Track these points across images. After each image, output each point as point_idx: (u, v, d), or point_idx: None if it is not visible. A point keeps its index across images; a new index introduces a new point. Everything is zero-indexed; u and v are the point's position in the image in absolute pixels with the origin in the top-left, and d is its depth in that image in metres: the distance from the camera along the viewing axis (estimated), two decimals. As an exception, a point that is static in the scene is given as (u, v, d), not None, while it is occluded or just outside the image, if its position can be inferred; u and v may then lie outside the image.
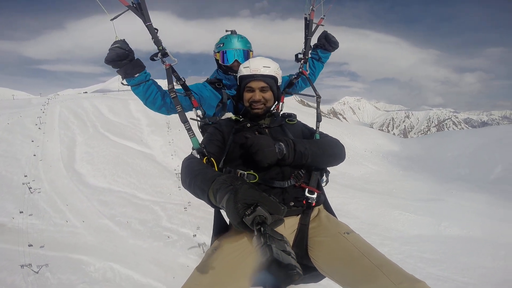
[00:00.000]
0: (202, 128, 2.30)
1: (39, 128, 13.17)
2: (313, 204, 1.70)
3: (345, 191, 15.50)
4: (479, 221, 10.78)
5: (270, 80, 1.88)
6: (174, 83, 2.11)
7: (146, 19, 1.88)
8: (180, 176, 1.58)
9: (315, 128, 2.02)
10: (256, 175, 1.62)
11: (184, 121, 1.83)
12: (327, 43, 2.59)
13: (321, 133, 1.99)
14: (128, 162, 11.24)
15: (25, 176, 8.29)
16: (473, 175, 20.67)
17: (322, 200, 1.82)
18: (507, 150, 21.50)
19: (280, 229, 1.44)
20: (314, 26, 2.47)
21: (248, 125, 1.89)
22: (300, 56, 2.48)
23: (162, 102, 2.25)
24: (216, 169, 1.62)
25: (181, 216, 7.25)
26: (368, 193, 15.68)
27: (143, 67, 2.08)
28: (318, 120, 2.10)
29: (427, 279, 6.89)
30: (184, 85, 2.19)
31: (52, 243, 5.26)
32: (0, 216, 6.06)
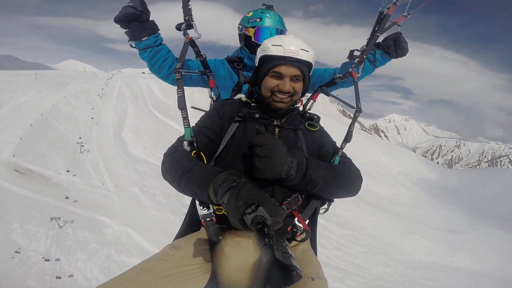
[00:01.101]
0: None
1: (100, 98, 15.12)
2: (298, 234, 1.46)
3: (365, 207, 15.29)
4: (495, 257, 10.46)
5: (305, 68, 1.49)
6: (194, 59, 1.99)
7: None
8: (162, 166, 1.44)
9: (339, 147, 1.62)
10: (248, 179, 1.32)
11: (182, 108, 1.51)
12: (394, 47, 2.14)
13: (343, 155, 1.59)
14: (167, 139, 12.44)
15: (79, 137, 9.73)
16: (511, 215, 19.05)
17: (307, 238, 1.54)
18: None
19: (245, 246, 1.37)
20: (389, 23, 1.99)
21: (257, 115, 1.54)
22: (357, 53, 2.01)
23: (168, 71, 2.04)
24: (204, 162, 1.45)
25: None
26: (388, 213, 15.34)
27: (155, 30, 1.92)
28: (346, 140, 1.65)
29: None
30: (204, 62, 1.93)
31: (84, 202, 6.17)
32: (49, 170, 7.20)
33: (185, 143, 1.42)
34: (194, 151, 1.42)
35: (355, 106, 1.73)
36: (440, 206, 18.87)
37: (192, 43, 1.77)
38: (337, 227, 9.11)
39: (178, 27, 1.73)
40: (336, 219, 9.84)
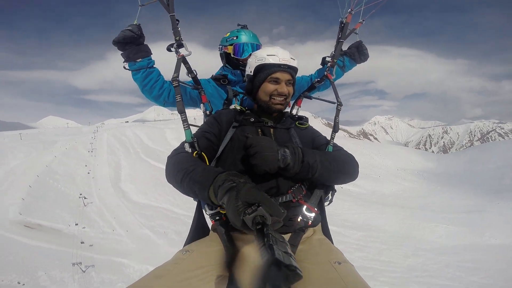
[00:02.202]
0: None
1: (90, 153, 15.18)
2: (309, 224, 1.47)
3: (374, 207, 15.11)
4: None
5: (294, 73, 1.69)
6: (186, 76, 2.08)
7: (170, 10, 1.91)
8: (166, 169, 1.48)
9: (329, 138, 1.75)
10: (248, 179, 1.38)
11: (181, 111, 1.63)
12: (357, 53, 2.46)
13: (334, 145, 1.73)
14: (166, 183, 12.42)
15: (80, 194, 9.85)
16: None
17: (318, 221, 1.56)
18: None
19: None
20: (348, 30, 2.33)
21: (252, 119, 1.66)
22: (328, 59, 2.29)
23: (159, 92, 2.14)
24: (206, 163, 1.50)
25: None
26: (399, 208, 15.12)
27: (148, 54, 2.05)
28: (335, 130, 1.82)
29: (469, 287, 6.64)
30: (195, 79, 2.03)
31: (100, 247, 6.27)
32: (58, 223, 7.45)
33: (186, 144, 1.50)
34: (196, 151, 1.48)
35: (335, 101, 1.94)
36: (447, 191, 18.79)
37: (183, 60, 1.87)
38: (352, 230, 8.94)
39: (169, 48, 1.88)
40: (349, 223, 9.68)
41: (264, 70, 1.65)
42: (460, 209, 13.84)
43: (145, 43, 2.06)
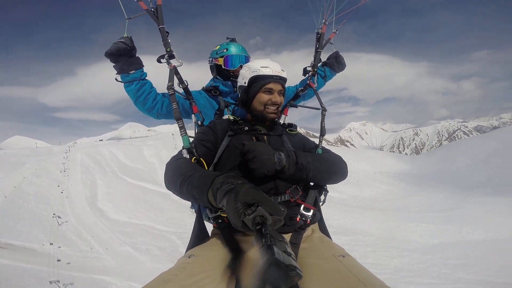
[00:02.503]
0: None
1: (63, 173, 14.37)
2: (308, 222, 1.55)
3: (356, 211, 15.47)
4: (505, 222, 10.72)
5: (284, 84, 1.81)
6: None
7: (160, 22, 1.94)
8: (165, 175, 1.49)
9: (317, 142, 1.89)
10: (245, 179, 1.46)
11: (178, 118, 1.73)
12: (336, 63, 2.63)
13: (323, 148, 1.86)
14: (146, 200, 11.99)
15: (53, 214, 9.33)
16: (492, 181, 20.24)
17: (318, 218, 1.65)
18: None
19: None
20: (324, 41, 2.50)
21: (246, 128, 1.74)
22: (309, 69, 2.45)
23: (152, 104, 2.16)
24: (205, 167, 1.55)
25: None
26: (379, 211, 15.58)
27: (141, 66, 2.07)
28: (322, 134, 1.97)
29: (457, 283, 6.87)
30: (186, 89, 2.06)
31: (78, 266, 5.93)
32: (31, 242, 6.97)
33: (184, 151, 1.57)
34: (194, 157, 1.54)
35: (320, 107, 2.12)
36: (423, 191, 19.63)
37: (175, 70, 1.92)
38: (338, 235, 9.03)
39: (159, 59, 1.94)
40: (333, 229, 9.76)
41: (259, 81, 1.75)
42: (437, 207, 14.40)
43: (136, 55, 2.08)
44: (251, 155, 1.45)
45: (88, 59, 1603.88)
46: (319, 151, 1.83)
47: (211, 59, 2.48)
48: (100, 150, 19.73)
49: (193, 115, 2.10)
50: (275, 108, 1.77)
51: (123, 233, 8.07)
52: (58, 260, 5.81)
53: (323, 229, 1.73)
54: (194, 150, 1.57)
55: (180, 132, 1.67)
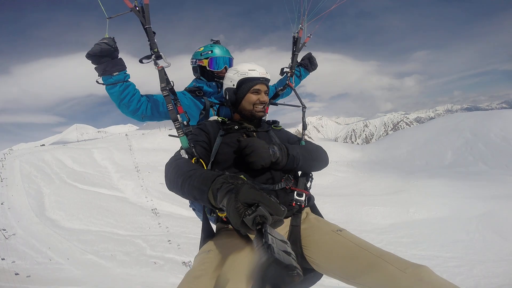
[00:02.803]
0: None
1: (0, 183, 12.64)
2: (303, 206, 1.72)
3: (316, 199, 16.34)
4: (444, 202, 12.10)
5: (269, 85, 1.99)
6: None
7: (146, 22, 1.91)
8: (166, 176, 1.53)
9: (300, 136, 2.10)
10: (245, 179, 1.54)
11: (175, 119, 1.81)
12: (310, 64, 2.85)
13: (305, 140, 2.06)
14: (102, 206, 11.20)
15: None
16: (429, 164, 22.89)
17: (312, 201, 1.84)
18: (453, 137, 24.37)
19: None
20: (300, 44, 2.69)
21: (236, 127, 1.86)
22: (287, 69, 2.65)
23: (137, 106, 2.11)
24: (204, 167, 1.60)
25: (164, 244, 7.53)
26: (337, 197, 16.63)
27: (124, 67, 2.02)
28: (304, 128, 2.21)
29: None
30: (172, 90, 2.02)
31: (39, 278, 5.36)
32: None
33: (183, 151, 1.65)
34: (194, 157, 1.62)
35: (300, 105, 2.32)
36: (373, 176, 21.34)
37: (163, 71, 1.94)
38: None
39: (142, 60, 1.95)
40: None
41: (247, 83, 1.90)
42: (386, 191, 15.71)
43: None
44: (248, 150, 1.56)
45: (25, 56, 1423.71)
46: (303, 143, 2.01)
47: (194, 60, 2.48)
48: (43, 156, 17.80)
49: (178, 115, 2.04)
50: (263, 106, 1.92)
51: (82, 241, 7.49)
52: (17, 274, 5.20)
53: (315, 211, 1.91)
54: (193, 150, 1.64)
55: (178, 133, 1.74)
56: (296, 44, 2.67)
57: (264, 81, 1.92)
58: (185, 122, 2.03)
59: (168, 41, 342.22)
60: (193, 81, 2.53)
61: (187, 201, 1.93)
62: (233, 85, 1.93)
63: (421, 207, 11.29)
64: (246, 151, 1.57)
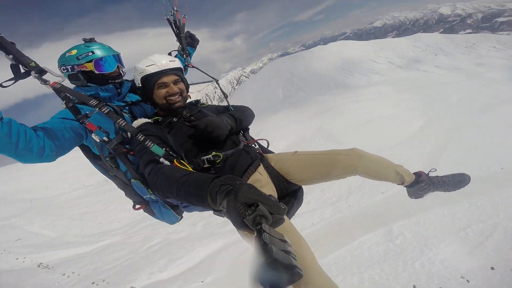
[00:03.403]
0: (114, 155, 1.80)
1: None
2: (261, 152, 2.05)
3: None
4: (290, 128, 14.78)
5: (179, 72, 1.92)
6: (63, 105, 1.71)
7: None
8: (155, 186, 1.43)
9: (227, 104, 2.29)
10: (220, 153, 1.66)
11: (135, 132, 1.65)
12: (192, 41, 2.90)
13: (232, 105, 2.26)
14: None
15: None
16: (271, 102, 27.06)
17: (266, 145, 2.18)
18: (279, 79, 30.85)
19: (260, 177, 1.76)
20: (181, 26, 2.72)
21: (175, 119, 1.86)
22: (174, 52, 2.73)
23: (41, 143, 1.62)
24: (189, 168, 1.50)
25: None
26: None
27: None
28: (225, 96, 2.41)
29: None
30: (73, 108, 1.73)
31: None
32: None
33: (162, 159, 1.53)
34: (175, 158, 1.54)
35: (212, 79, 2.55)
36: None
37: (62, 87, 1.69)
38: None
39: (18, 77, 1.55)
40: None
41: (150, 80, 1.83)
42: (254, 136, 18.79)
43: None
44: (210, 128, 1.67)
45: None
46: (231, 108, 2.21)
47: (70, 66, 1.97)
48: None
49: (92, 134, 1.74)
50: (177, 96, 1.86)
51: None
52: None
53: (268, 152, 2.17)
54: (171, 153, 1.58)
55: (147, 144, 1.56)
56: (177, 27, 2.72)
57: (170, 71, 1.84)
58: (105, 138, 1.73)
59: None
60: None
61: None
62: (139, 85, 1.89)
63: (278, 138, 13.63)
64: (208, 129, 1.67)
